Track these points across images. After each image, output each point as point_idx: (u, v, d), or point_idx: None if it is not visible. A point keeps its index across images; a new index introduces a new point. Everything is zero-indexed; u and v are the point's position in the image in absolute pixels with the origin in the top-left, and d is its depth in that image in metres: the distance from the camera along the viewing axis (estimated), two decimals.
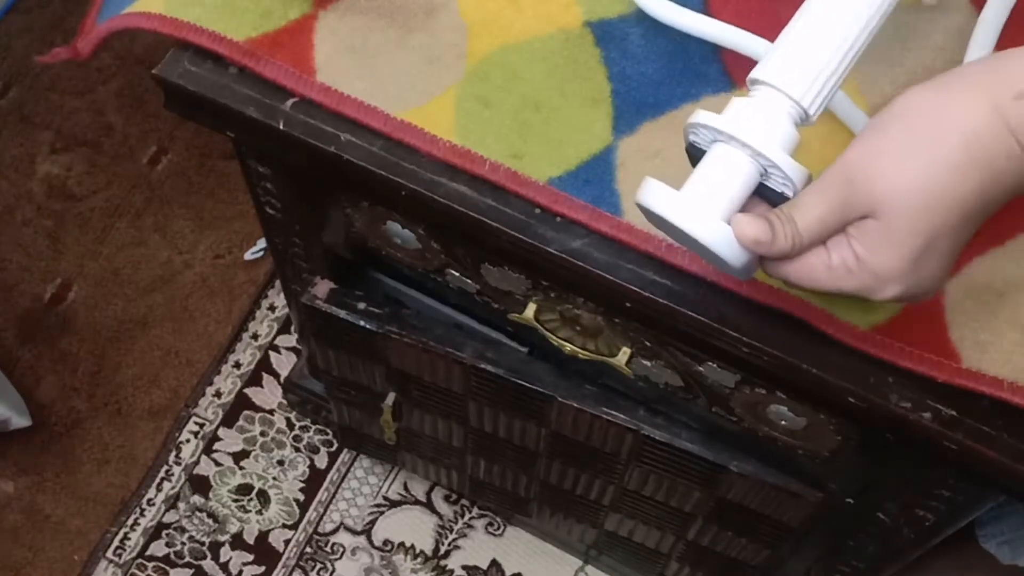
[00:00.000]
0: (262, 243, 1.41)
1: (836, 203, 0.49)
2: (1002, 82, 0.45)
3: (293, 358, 1.36)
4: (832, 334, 0.61)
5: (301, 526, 1.29)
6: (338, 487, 1.31)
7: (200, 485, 1.31)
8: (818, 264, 0.50)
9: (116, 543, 1.28)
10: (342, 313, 0.86)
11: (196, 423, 1.34)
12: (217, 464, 1.32)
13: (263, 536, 1.28)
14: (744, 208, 0.53)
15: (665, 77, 0.67)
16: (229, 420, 1.34)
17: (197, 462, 1.32)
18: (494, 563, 1.27)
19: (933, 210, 0.47)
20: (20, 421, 1.28)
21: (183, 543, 1.28)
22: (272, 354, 1.38)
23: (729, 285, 0.62)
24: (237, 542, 1.28)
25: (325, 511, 1.29)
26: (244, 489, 1.30)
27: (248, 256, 1.42)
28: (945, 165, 0.46)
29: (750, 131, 0.52)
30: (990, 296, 0.61)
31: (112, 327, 1.39)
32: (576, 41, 0.68)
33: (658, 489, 0.89)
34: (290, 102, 0.66)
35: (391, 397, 0.95)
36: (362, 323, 0.86)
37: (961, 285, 0.62)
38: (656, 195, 0.53)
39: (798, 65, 0.53)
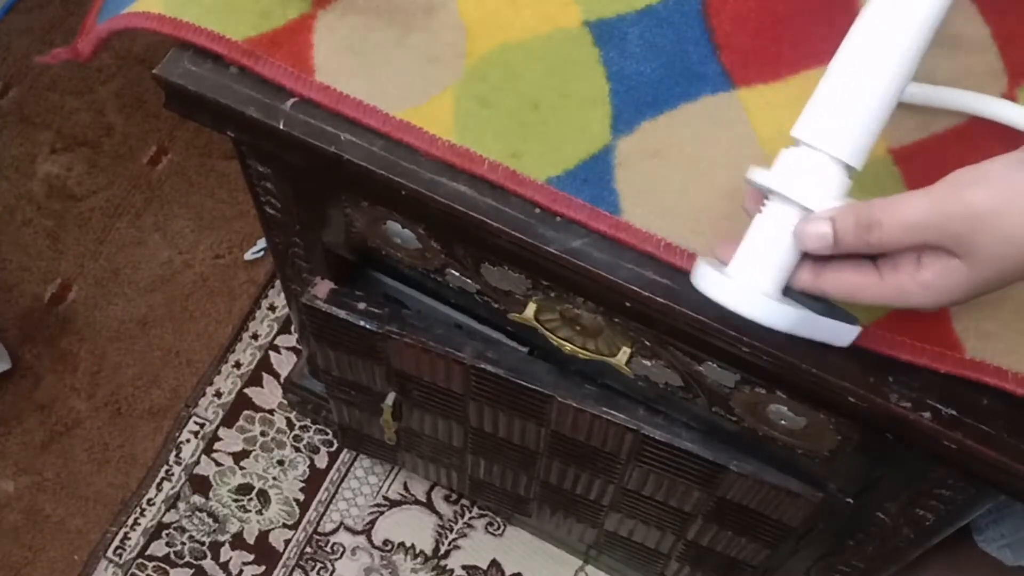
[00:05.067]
0: (262, 243, 1.41)
1: (937, 221, 0.49)
2: None
3: (293, 358, 1.36)
4: None
5: (301, 526, 1.29)
6: (338, 487, 1.31)
7: (200, 485, 1.31)
8: (868, 282, 0.52)
9: (116, 543, 1.28)
10: (342, 313, 0.86)
11: (196, 423, 1.34)
12: (217, 464, 1.32)
13: (263, 536, 1.28)
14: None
15: (663, 77, 0.67)
16: (229, 420, 1.34)
17: (197, 462, 1.32)
18: (494, 563, 1.27)
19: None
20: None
21: (183, 543, 1.28)
22: (272, 354, 1.38)
23: None
24: (237, 542, 1.28)
25: (325, 511, 1.29)
26: (244, 489, 1.30)
27: (248, 256, 1.42)
28: None
29: (804, 190, 0.53)
30: None
31: (112, 327, 1.39)
32: (574, 41, 0.68)
33: (658, 489, 0.89)
34: (290, 102, 0.66)
35: (391, 397, 0.95)
36: (362, 323, 0.86)
37: None
38: (707, 280, 0.55)
39: (845, 124, 0.53)
